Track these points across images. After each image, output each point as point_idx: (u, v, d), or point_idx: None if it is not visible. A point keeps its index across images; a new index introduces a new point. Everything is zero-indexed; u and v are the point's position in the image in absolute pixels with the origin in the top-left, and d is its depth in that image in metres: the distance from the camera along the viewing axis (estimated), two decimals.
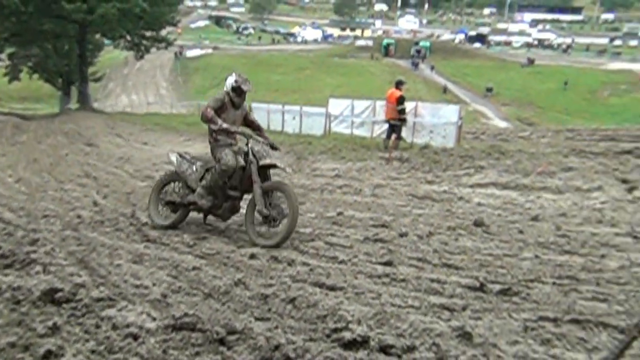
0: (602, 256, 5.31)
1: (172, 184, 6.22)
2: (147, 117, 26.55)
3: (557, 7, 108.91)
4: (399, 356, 2.92)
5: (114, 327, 3.09)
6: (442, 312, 3.70)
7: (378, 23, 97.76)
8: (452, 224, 6.61)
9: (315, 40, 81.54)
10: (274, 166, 5.71)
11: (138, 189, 8.86)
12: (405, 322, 3.36)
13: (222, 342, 2.98)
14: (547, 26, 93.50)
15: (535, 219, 6.96)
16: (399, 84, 12.58)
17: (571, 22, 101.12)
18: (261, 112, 18.25)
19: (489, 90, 49.86)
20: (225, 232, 6.07)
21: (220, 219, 6.02)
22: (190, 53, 65.63)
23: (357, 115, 15.68)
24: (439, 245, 5.62)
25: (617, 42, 79.16)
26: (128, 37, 31.50)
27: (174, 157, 6.16)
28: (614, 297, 4.12)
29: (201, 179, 5.87)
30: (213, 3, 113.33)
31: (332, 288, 4.15)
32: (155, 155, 13.51)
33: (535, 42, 78.27)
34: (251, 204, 5.57)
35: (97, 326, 3.10)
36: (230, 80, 5.79)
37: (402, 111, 12.25)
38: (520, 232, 6.24)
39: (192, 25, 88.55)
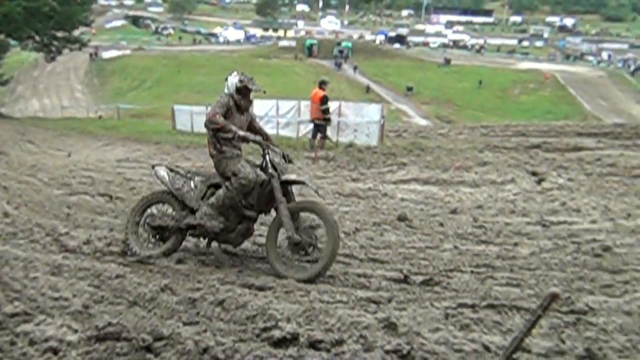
0: (515, 244, 5.68)
1: (156, 206, 5.20)
2: (62, 122, 25.25)
3: (469, 9, 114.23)
4: (328, 350, 2.98)
5: (32, 343, 2.94)
6: (368, 305, 3.82)
7: (300, 24, 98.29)
8: (377, 219, 6.80)
9: (238, 41, 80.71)
10: (300, 183, 5.01)
11: (54, 197, 8.42)
12: (334, 317, 3.43)
13: (148, 349, 2.92)
14: (461, 28, 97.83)
15: (454, 211, 7.31)
16: (322, 84, 12.76)
17: (483, 24, 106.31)
18: (184, 114, 17.89)
19: (410, 89, 51.49)
20: None
21: (228, 244, 5.07)
22: (106, 54, 62.89)
23: (282, 115, 15.75)
24: (365, 240, 5.77)
25: (525, 43, 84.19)
26: (37, 38, 29.71)
27: (163, 172, 5.12)
28: (525, 282, 4.43)
29: (203, 197, 4.94)
30: (129, 2, 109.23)
31: (262, 288, 4.17)
32: (72, 161, 12.88)
33: (451, 43, 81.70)
34: (274, 227, 4.72)
35: (12, 343, 2.94)
36: (234, 80, 4.94)
37: (326, 111, 12.44)
38: (441, 224, 6.53)
39: (108, 25, 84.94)
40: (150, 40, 76.90)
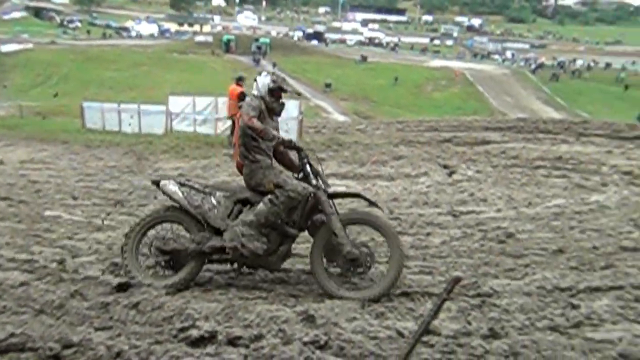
0: (428, 234, 5.94)
1: (160, 226, 4.42)
2: None
3: (384, 8, 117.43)
4: (247, 346, 2.99)
5: None
6: (288, 300, 3.86)
7: (217, 19, 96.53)
8: None
9: (152, 35, 77.86)
10: (353, 196, 4.64)
11: None
12: (253, 313, 3.44)
13: (57, 357, 2.79)
14: (376, 26, 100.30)
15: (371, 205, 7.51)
16: (239, 80, 12.64)
17: (397, 22, 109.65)
18: (95, 111, 17.06)
19: (328, 85, 52.07)
20: (57, 242, 5.60)
21: (266, 269, 4.43)
22: (5, 48, 58.38)
23: (199, 112, 15.44)
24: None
25: (437, 42, 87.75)
26: None
27: (174, 188, 4.31)
28: (437, 269, 4.65)
29: (229, 214, 4.27)
30: None
31: (179, 288, 4.08)
32: None
33: (367, 41, 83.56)
34: (319, 243, 4.20)
35: None
36: (265, 81, 4.36)
37: None
38: None
39: (6, 17, 78.91)
40: (57, 34, 72.47)
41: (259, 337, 3.07)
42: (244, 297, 3.89)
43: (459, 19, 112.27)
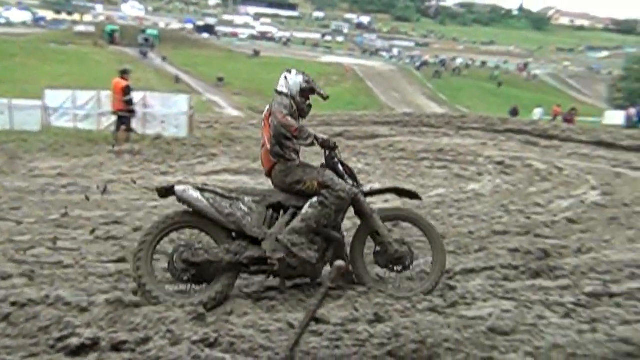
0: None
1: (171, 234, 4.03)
2: None
3: (276, 2, 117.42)
4: (133, 350, 2.87)
5: None
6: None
7: (99, 7, 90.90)
8: None
9: (24, 24, 71.60)
10: (389, 191, 4.49)
11: None
12: (139, 315, 3.31)
13: None
14: (269, 20, 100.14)
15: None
16: (124, 74, 12.04)
17: (289, 17, 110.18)
18: None
19: (220, 80, 51.14)
20: None
21: (310, 278, 4.01)
22: None
23: (80, 107, 14.48)
24: (175, 235, 5.63)
25: (328, 38, 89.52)
26: None
27: (195, 194, 3.82)
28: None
29: (264, 221, 3.89)
30: None
31: (57, 297, 3.82)
32: None
33: (259, 35, 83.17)
34: (359, 240, 4.04)
35: None
36: (297, 80, 4.11)
37: (130, 102, 11.78)
38: None
39: None
40: None
41: (145, 340, 2.96)
42: (131, 301, 3.72)
43: (348, 16, 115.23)
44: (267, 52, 67.43)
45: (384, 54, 77.97)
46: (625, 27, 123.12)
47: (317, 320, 3.01)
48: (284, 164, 3.97)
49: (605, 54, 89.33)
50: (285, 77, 4.16)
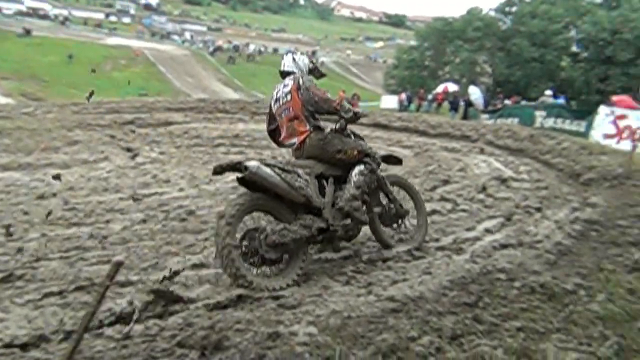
0: (108, 221, 5.69)
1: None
2: None
3: None
4: None
5: None
6: None
7: None
8: None
9: None
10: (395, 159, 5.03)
11: None
12: None
13: None
14: None
15: (42, 197, 6.76)
16: None
17: None
18: None
19: None
20: None
21: (346, 241, 4.39)
22: None
23: None
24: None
25: (113, 19, 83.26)
26: None
27: (269, 170, 3.71)
28: (117, 256, 4.50)
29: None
30: None
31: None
32: None
33: (30, 11, 73.60)
34: (375, 204, 4.46)
35: None
36: (305, 60, 4.52)
37: None
38: (26, 213, 5.96)
39: None
40: None
41: None
42: None
43: None
44: (40, 31, 60.17)
45: (176, 37, 75.55)
46: (395, 21, 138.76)
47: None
48: (320, 133, 4.24)
49: (380, 44, 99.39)
50: (294, 59, 4.53)
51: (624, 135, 12.57)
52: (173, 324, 2.82)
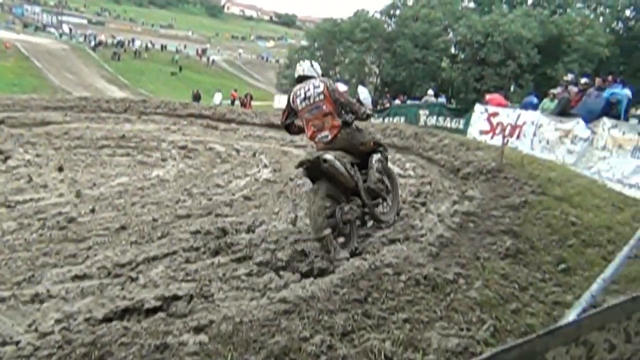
0: None
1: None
2: None
3: None
4: None
5: None
6: None
7: None
8: None
9: None
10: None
11: None
12: None
13: None
14: None
15: None
16: None
17: None
18: None
19: None
20: None
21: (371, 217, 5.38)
22: None
23: None
24: None
25: None
26: None
27: (337, 162, 4.64)
28: None
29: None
30: None
31: None
32: None
33: None
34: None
35: None
36: (318, 67, 5.44)
37: None
38: None
39: None
40: None
41: None
42: None
43: None
44: None
45: (53, 30, 70.20)
46: (285, 20, 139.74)
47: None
48: (349, 128, 5.06)
49: (272, 43, 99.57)
50: (312, 64, 5.37)
51: (497, 131, 13.68)
52: (49, 342, 2.61)
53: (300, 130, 5.42)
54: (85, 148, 10.99)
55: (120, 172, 9.14)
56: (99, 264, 4.20)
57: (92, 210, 6.17)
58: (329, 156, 4.55)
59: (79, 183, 7.84)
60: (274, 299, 3.07)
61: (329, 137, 4.98)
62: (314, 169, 4.61)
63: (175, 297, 3.41)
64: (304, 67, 5.33)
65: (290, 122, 5.40)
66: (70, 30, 71.51)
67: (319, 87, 5.05)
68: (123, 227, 5.44)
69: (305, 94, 5.11)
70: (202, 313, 3.07)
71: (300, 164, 4.68)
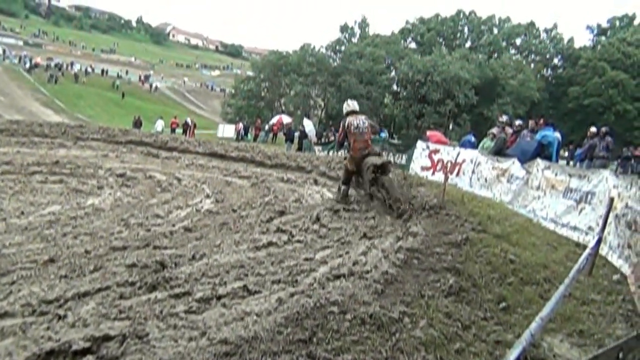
0: None
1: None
2: None
3: None
4: None
5: None
6: None
7: None
8: None
9: None
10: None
11: None
12: None
13: None
14: None
15: None
16: None
17: None
18: None
19: None
20: None
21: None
22: None
23: None
24: None
25: None
26: None
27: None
28: None
29: None
30: None
31: None
32: None
33: None
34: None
35: None
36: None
37: None
38: None
39: None
40: None
41: None
42: None
43: None
44: None
45: None
46: (231, 50, 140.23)
47: None
48: (374, 144, 8.90)
49: (217, 72, 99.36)
50: (348, 103, 9.21)
51: (437, 167, 14.07)
52: None
53: (343, 145, 9.59)
54: (14, 174, 10.36)
55: (52, 200, 8.64)
56: (22, 301, 3.87)
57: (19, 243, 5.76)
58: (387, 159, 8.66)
59: (5, 211, 7.34)
60: (214, 340, 2.91)
61: (366, 151, 8.44)
62: (383, 167, 8.16)
63: (107, 338, 3.18)
64: (354, 104, 9.17)
65: (342, 140, 8.99)
66: (4, 51, 68.61)
67: (365, 122, 8.72)
68: (52, 260, 5.08)
69: (358, 123, 8.64)
70: (135, 355, 2.86)
71: (380, 165, 8.19)
